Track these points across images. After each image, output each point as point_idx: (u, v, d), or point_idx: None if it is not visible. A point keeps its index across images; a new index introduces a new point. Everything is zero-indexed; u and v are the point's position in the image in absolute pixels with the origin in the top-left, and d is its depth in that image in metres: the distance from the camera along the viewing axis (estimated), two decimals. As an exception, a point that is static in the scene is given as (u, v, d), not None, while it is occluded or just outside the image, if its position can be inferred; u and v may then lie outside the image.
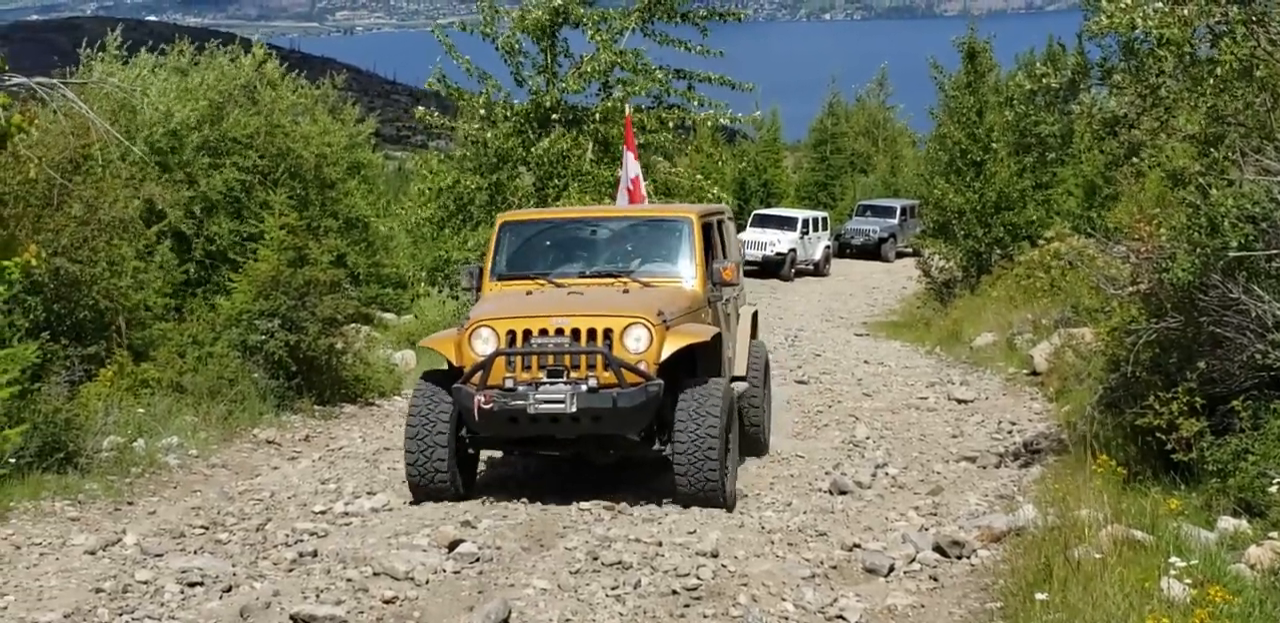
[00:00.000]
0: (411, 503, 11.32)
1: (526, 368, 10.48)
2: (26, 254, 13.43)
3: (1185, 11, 11.49)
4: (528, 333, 10.54)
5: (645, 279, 11.93)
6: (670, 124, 22.88)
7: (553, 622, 7.99)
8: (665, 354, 10.44)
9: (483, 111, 22.53)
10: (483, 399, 10.18)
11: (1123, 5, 11.70)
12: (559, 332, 10.49)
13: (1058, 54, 27.32)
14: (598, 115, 22.43)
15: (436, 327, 20.08)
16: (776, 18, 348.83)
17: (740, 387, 12.64)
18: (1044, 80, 13.83)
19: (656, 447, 10.72)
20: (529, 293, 11.85)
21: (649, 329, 10.41)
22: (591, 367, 10.35)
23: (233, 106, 25.01)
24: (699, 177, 24.65)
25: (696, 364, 11.15)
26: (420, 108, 24.16)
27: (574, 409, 10.17)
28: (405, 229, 24.84)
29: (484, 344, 10.63)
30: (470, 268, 12.55)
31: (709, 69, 22.80)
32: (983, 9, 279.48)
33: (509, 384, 10.38)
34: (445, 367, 11.61)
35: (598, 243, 12.66)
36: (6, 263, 12.57)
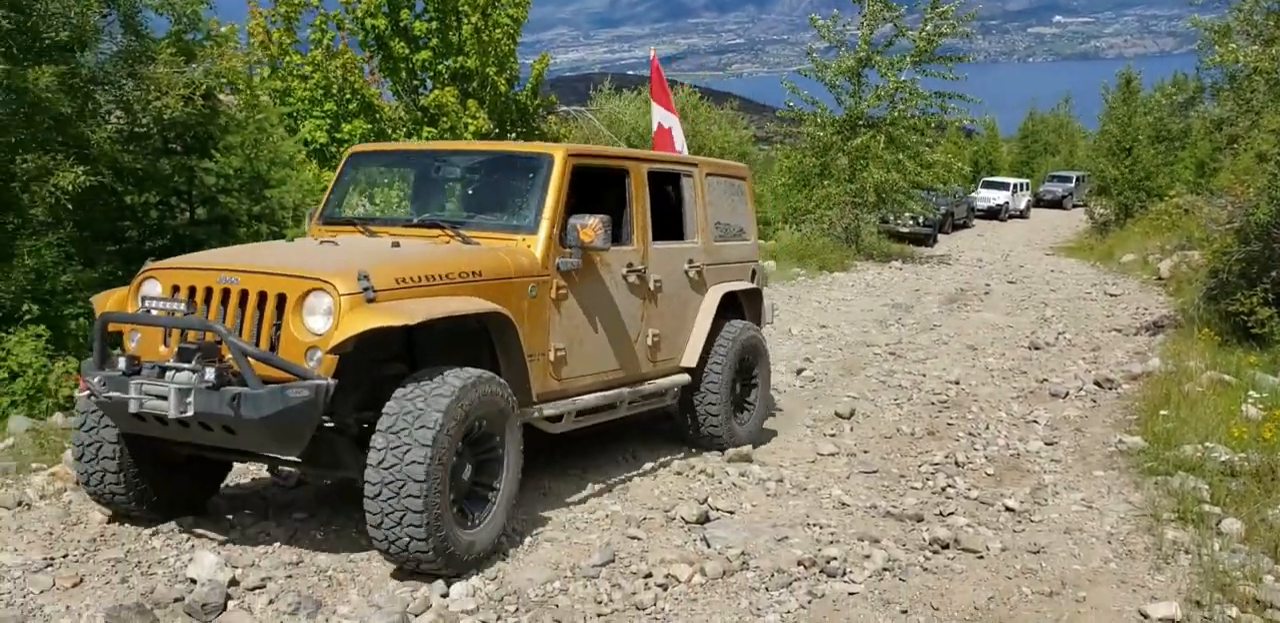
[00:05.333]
0: None
1: (167, 343, 4.56)
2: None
3: (1274, 51, 10.71)
4: (192, 291, 4.53)
5: (475, 232, 5.31)
6: (931, 125, 22.52)
7: (857, 413, 7.96)
8: (339, 340, 4.18)
9: (817, 120, 22.40)
10: (83, 384, 4.62)
11: (1231, 48, 10.97)
12: (191, 291, 4.50)
13: (1180, 81, 26.07)
14: (887, 120, 22.09)
15: (786, 249, 19.90)
16: (998, 61, 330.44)
17: (679, 380, 6.43)
18: (1173, 97, 13.06)
19: None
20: (320, 242, 5.23)
21: (334, 300, 4.24)
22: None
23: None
24: (950, 157, 24.21)
25: (497, 357, 5.00)
26: (771, 125, 24.33)
27: (182, 412, 4.14)
28: (770, 190, 24.76)
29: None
30: (312, 210, 6.23)
31: (954, 90, 22.11)
32: (1131, 54, 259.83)
33: (122, 364, 4.38)
34: None
35: (442, 185, 6.16)
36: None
